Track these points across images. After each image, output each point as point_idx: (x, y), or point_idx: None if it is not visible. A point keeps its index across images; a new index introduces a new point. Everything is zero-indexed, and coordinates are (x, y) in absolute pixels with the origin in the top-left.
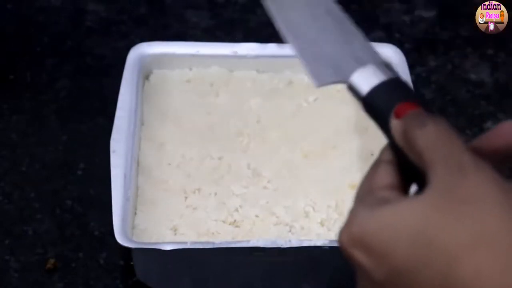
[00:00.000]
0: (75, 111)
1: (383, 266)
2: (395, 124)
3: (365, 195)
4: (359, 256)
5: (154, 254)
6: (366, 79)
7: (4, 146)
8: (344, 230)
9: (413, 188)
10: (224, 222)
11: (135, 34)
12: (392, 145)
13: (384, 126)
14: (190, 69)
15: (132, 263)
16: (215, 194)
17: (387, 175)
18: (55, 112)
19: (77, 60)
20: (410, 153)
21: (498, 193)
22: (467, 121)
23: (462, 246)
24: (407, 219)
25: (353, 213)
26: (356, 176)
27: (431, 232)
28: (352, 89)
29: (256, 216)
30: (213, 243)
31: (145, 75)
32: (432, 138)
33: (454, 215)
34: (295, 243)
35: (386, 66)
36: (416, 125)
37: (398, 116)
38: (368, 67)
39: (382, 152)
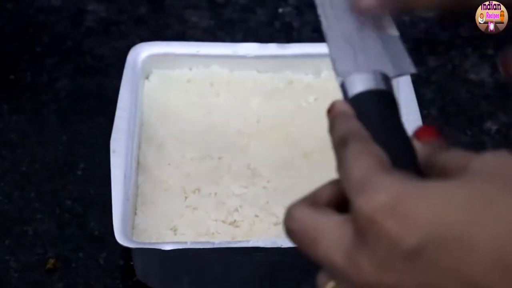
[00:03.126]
0: (75, 111)
1: (416, 233)
2: (419, 146)
3: (376, 169)
4: (388, 223)
5: (154, 254)
6: (356, 84)
7: (4, 146)
8: (365, 199)
9: None
10: (223, 222)
11: (135, 34)
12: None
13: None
14: (190, 69)
15: (132, 263)
16: (215, 194)
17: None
18: (55, 112)
19: (77, 60)
20: (430, 167)
21: None
22: (467, 121)
23: None
24: (457, 192)
25: (370, 183)
26: None
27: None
28: (343, 89)
29: (256, 216)
30: (213, 243)
31: (145, 75)
32: (459, 152)
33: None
34: None
35: (384, 77)
36: (442, 148)
37: (418, 138)
38: (363, 74)
39: (356, 131)
